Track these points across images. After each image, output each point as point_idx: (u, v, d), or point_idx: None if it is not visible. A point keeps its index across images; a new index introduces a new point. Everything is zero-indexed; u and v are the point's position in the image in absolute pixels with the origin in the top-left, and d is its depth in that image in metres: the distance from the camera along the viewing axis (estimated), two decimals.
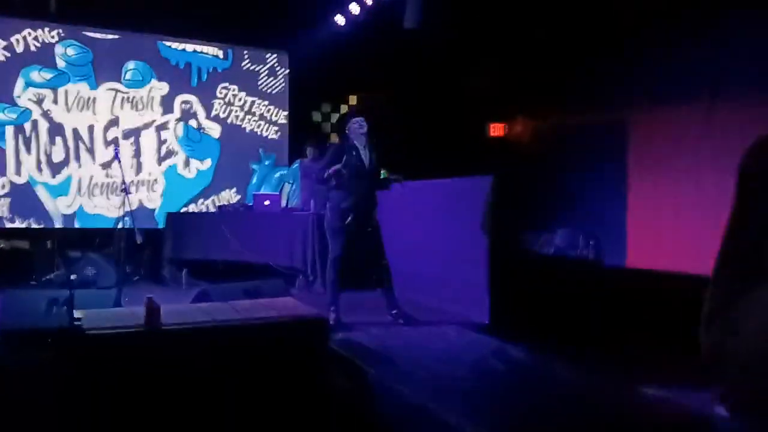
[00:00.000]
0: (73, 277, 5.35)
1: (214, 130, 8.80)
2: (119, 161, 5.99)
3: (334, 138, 9.79)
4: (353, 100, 9.87)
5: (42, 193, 7.89)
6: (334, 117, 9.83)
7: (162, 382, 3.23)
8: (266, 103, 9.08)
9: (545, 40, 8.07)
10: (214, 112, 8.79)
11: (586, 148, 7.94)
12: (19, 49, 7.79)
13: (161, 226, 7.93)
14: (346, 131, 5.24)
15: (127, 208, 5.67)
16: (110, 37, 8.25)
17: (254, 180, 9.03)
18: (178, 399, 3.22)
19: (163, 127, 8.54)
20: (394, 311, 5.16)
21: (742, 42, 5.90)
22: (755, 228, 0.88)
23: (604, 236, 7.77)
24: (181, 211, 8.39)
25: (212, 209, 8.46)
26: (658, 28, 6.87)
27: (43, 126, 7.90)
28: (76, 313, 3.75)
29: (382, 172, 5.43)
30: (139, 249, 7.19)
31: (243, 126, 8.96)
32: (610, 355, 4.38)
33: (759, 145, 0.96)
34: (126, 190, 5.67)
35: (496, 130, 9.29)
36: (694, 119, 6.79)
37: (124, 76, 8.33)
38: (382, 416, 3.13)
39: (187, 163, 8.66)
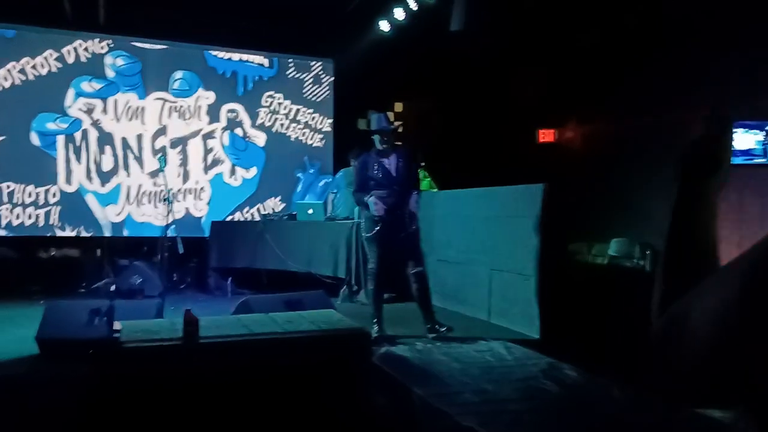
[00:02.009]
0: (113, 288, 5.33)
1: (260, 139, 8.79)
2: (163, 171, 5.98)
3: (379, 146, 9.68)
4: (399, 107, 9.75)
5: (91, 202, 7.99)
6: None
7: (198, 397, 3.14)
8: (311, 111, 9.03)
9: (596, 41, 7.78)
10: (259, 121, 8.78)
11: (641, 154, 7.61)
12: (70, 60, 7.93)
13: (207, 234, 7.93)
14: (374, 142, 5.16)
15: (173, 217, 5.65)
16: (158, 47, 8.33)
17: (299, 188, 8.97)
18: (214, 414, 3.11)
19: (209, 135, 8.57)
20: (428, 325, 4.93)
21: None
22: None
23: (661, 246, 7.41)
24: (227, 219, 8.39)
25: (257, 217, 8.43)
26: (717, 27, 6.53)
27: (93, 135, 8.02)
28: (116, 325, 3.71)
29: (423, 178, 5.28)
30: (185, 257, 7.21)
31: (288, 134, 8.92)
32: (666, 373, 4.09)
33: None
34: (169, 200, 5.64)
35: (546, 136, 9.02)
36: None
37: (172, 86, 8.40)
38: None
39: (232, 172, 8.67)
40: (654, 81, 7.32)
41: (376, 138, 5.11)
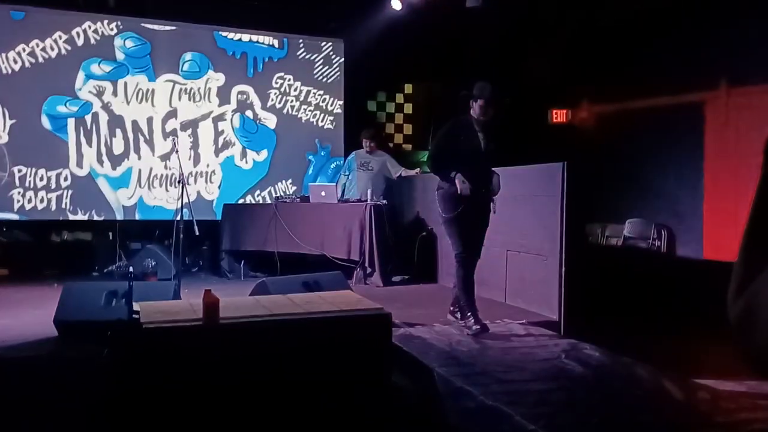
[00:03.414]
0: (131, 269, 5.31)
1: (270, 121, 8.73)
2: (177, 152, 5.93)
3: (390, 128, 9.61)
4: (409, 88, 9.65)
5: (103, 185, 7.96)
6: (390, 106, 9.64)
7: (219, 377, 3.12)
8: (321, 92, 8.95)
9: (610, 19, 7.66)
10: (270, 103, 8.71)
11: (656, 134, 7.52)
12: (80, 42, 7.86)
13: (219, 217, 7.90)
14: (470, 110, 4.57)
15: (185, 200, 5.61)
16: (167, 28, 8.25)
17: (310, 171, 8.92)
18: (235, 394, 3.09)
19: (220, 118, 8.51)
20: (453, 307, 4.74)
21: None
22: None
23: (677, 226, 7.36)
24: (239, 202, 8.36)
25: (269, 200, 8.39)
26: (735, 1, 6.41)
27: (104, 118, 7.97)
28: (135, 306, 3.69)
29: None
30: (198, 241, 7.19)
31: (299, 116, 8.85)
32: (685, 351, 4.06)
33: None
34: (182, 182, 5.59)
35: (559, 116, 8.91)
36: None
37: (182, 68, 8.32)
38: (452, 418, 2.92)
39: (243, 154, 8.62)
40: (669, 59, 7.20)
41: (476, 106, 4.53)
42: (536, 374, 3.42)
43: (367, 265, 6.78)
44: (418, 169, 7.76)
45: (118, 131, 8.03)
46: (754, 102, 6.58)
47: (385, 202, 7.25)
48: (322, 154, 8.98)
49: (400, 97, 9.69)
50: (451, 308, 4.79)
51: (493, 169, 4.58)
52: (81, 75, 7.86)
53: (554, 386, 3.24)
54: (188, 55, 8.35)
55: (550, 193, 4.82)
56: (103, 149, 7.96)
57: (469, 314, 4.44)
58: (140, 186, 8.13)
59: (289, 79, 8.78)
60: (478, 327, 4.34)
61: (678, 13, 7.00)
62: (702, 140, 7.10)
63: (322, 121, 8.96)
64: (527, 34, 8.44)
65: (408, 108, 9.70)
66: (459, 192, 4.32)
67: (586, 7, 7.89)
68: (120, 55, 8.04)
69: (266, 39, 8.73)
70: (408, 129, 9.71)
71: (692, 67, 6.96)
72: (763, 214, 0.82)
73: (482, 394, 2.99)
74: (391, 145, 9.35)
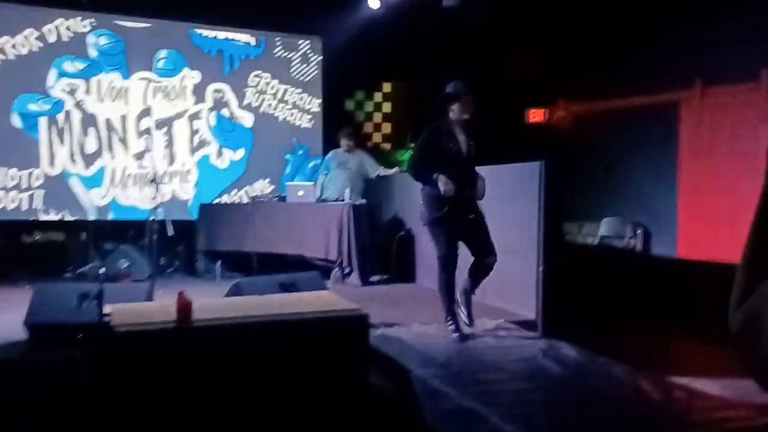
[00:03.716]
0: (102, 270, 5.21)
1: (247, 119, 8.64)
2: (151, 151, 5.84)
3: (368, 127, 9.57)
4: (387, 87, 9.62)
5: (76, 185, 7.82)
6: (368, 105, 9.60)
7: (193, 381, 3.06)
8: (299, 91, 8.89)
9: (588, 18, 7.70)
10: (246, 101, 8.63)
11: (632, 133, 7.59)
12: (52, 39, 7.71)
13: (195, 217, 7.81)
14: (448, 114, 4.49)
15: (159, 200, 5.53)
16: (142, 25, 8.13)
17: (288, 170, 8.85)
18: (208, 398, 3.04)
19: (195, 116, 8.41)
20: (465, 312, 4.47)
21: None
22: None
23: (652, 225, 7.43)
24: (215, 202, 8.26)
25: (246, 200, 8.31)
26: (710, 1, 6.48)
27: (76, 116, 7.83)
28: (106, 309, 3.61)
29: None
30: (173, 241, 7.10)
31: (276, 115, 8.78)
32: (661, 350, 4.09)
33: None
34: (157, 181, 5.51)
35: (536, 115, 8.94)
36: (752, 100, 6.39)
37: (156, 65, 8.21)
38: (428, 420, 2.90)
39: (219, 153, 8.53)
40: (644, 59, 7.26)
41: (454, 107, 4.46)
42: (513, 374, 3.42)
43: (345, 265, 6.74)
44: (397, 168, 7.74)
45: (91, 130, 7.89)
46: (727, 101, 6.67)
47: (363, 201, 7.21)
48: (300, 153, 8.91)
49: (378, 96, 9.65)
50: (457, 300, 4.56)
51: (479, 173, 4.49)
52: (53, 72, 7.71)
53: (531, 386, 3.24)
54: (163, 53, 8.24)
55: (527, 192, 4.82)
56: (76, 148, 7.82)
57: (449, 319, 4.39)
58: (114, 186, 8.00)
59: (266, 78, 8.71)
60: (457, 335, 4.30)
61: (654, 13, 7.06)
62: (676, 139, 7.18)
63: (299, 120, 8.90)
64: (504, 34, 8.45)
65: (387, 107, 9.67)
66: (443, 193, 4.23)
67: (563, 7, 7.92)
68: (93, 53, 7.90)
69: (242, 37, 8.64)
70: (387, 128, 9.67)
71: (667, 67, 7.03)
72: (765, 227, 0.79)
73: (459, 395, 2.98)
74: (369, 144, 9.31)
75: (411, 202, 7.20)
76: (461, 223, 4.39)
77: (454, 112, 4.46)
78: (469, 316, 4.47)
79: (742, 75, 6.43)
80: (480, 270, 4.49)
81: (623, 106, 7.65)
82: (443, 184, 4.23)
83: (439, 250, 4.45)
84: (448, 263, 4.41)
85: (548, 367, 3.53)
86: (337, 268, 6.75)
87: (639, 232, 7.42)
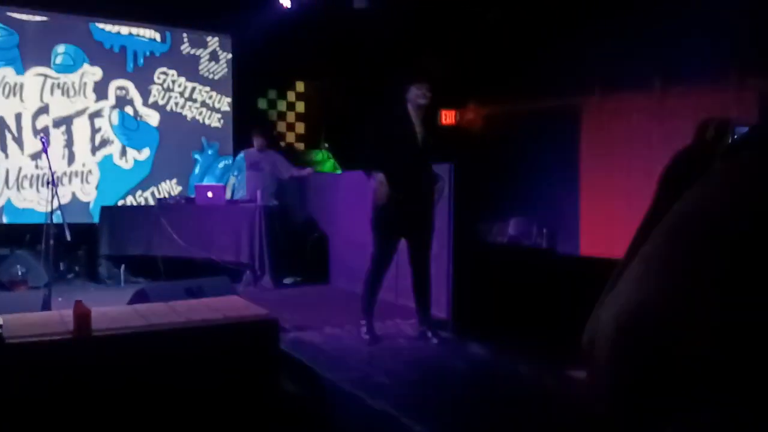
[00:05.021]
0: None
1: (153, 118, 8.33)
2: (46, 152, 5.53)
3: (281, 126, 9.44)
4: (300, 86, 9.53)
5: None
6: (281, 104, 9.47)
7: (94, 394, 2.92)
8: (208, 89, 8.65)
9: (498, 23, 7.91)
10: (152, 99, 8.31)
11: (537, 136, 7.84)
12: None
13: (96, 220, 7.45)
14: (406, 102, 4.21)
15: (57, 202, 5.23)
16: (38, 18, 7.68)
17: (196, 170, 8.60)
18: (110, 410, 2.90)
19: (96, 114, 8.02)
20: (423, 328, 4.31)
21: (694, 26, 5.85)
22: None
23: (556, 225, 7.71)
24: (118, 204, 7.91)
25: (152, 202, 8.01)
26: (610, 13, 6.79)
27: None
28: None
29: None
30: (73, 245, 6.73)
31: (183, 113, 8.51)
32: (568, 346, 4.25)
33: (682, 152, 0.82)
34: (53, 183, 5.22)
35: (448, 117, 9.10)
36: (647, 106, 6.76)
37: (54, 61, 7.77)
38: (340, 424, 2.89)
39: (123, 153, 8.17)
40: (549, 65, 7.53)
41: (417, 89, 4.17)
42: (424, 375, 3.46)
43: (257, 267, 6.62)
44: (310, 168, 7.68)
45: None
46: (625, 107, 7.02)
47: (275, 202, 7.11)
48: (209, 152, 8.68)
49: (291, 95, 9.54)
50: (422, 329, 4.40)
51: (438, 174, 4.29)
52: None
53: (440, 385, 3.29)
54: (61, 48, 7.81)
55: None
56: None
57: (363, 321, 4.30)
58: (8, 187, 7.52)
59: (173, 75, 8.42)
60: (368, 337, 4.23)
61: (560, 21, 7.33)
62: (578, 143, 7.49)
63: (209, 119, 8.67)
64: (416, 35, 8.55)
65: (300, 106, 9.58)
66: (373, 195, 4.01)
67: (474, 12, 8.09)
68: None
69: (147, 32, 8.32)
70: (300, 128, 9.58)
71: (570, 74, 7.32)
72: (636, 243, 0.80)
73: (370, 398, 2.98)
74: (282, 144, 9.20)
75: (325, 203, 7.19)
76: (406, 220, 4.12)
77: (413, 98, 4.19)
78: (428, 328, 4.22)
79: (637, 82, 6.79)
80: (420, 279, 4.30)
81: (529, 109, 7.91)
82: (377, 184, 3.98)
83: (373, 247, 4.23)
84: (377, 267, 4.22)
85: (458, 367, 3.59)
86: (249, 271, 6.62)
87: (545, 231, 7.69)
